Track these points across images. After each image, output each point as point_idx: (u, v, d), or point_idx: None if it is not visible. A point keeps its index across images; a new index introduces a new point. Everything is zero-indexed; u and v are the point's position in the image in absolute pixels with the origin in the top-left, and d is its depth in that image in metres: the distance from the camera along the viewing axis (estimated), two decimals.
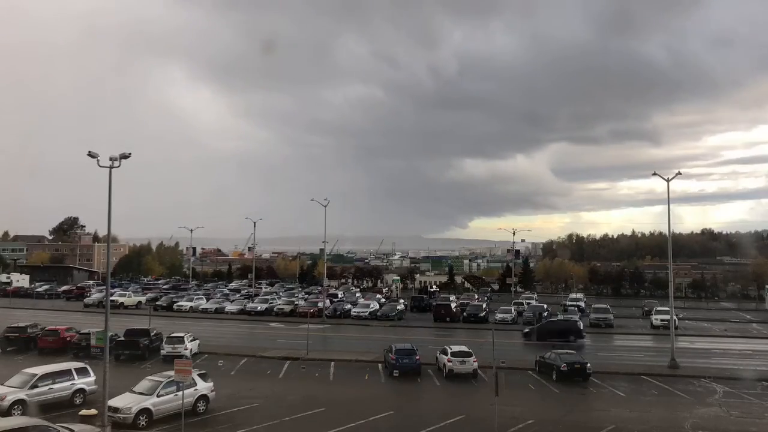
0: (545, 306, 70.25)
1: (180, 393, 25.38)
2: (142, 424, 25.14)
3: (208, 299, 75.03)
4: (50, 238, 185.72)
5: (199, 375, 28.39)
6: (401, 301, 76.70)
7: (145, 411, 25.41)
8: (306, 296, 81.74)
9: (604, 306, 67.54)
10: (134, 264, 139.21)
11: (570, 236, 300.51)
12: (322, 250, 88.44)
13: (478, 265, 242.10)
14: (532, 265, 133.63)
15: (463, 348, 38.03)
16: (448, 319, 63.75)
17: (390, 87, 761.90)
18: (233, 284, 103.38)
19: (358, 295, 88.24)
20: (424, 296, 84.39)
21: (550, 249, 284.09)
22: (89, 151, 25.09)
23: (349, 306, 70.79)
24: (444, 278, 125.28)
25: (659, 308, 64.16)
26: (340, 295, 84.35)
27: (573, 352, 38.64)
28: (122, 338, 41.83)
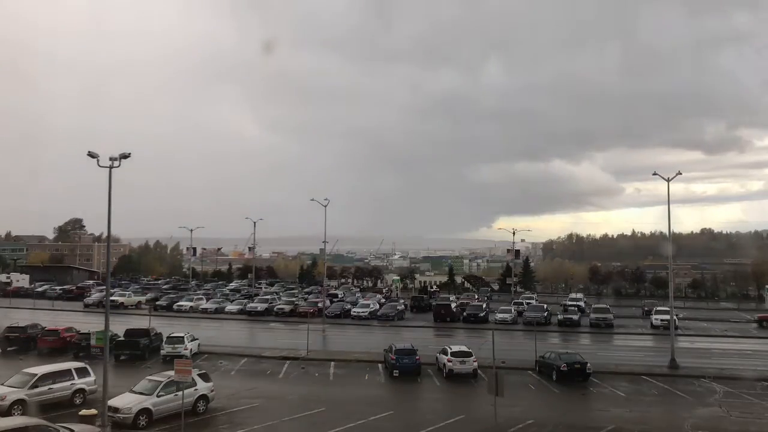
0: (545, 306, 70.31)
1: (180, 393, 25.40)
2: (142, 424, 25.13)
3: (208, 299, 74.97)
4: (52, 237, 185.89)
5: (199, 375, 28.39)
6: (401, 301, 76.70)
7: (145, 411, 25.41)
8: (306, 296, 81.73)
9: (604, 306, 67.52)
10: (134, 264, 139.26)
11: (570, 236, 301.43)
12: (322, 250, 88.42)
13: (478, 265, 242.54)
14: (532, 265, 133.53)
15: (463, 348, 38.04)
16: (448, 319, 63.72)
17: (430, 107, 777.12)
18: (233, 284, 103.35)
19: (358, 295, 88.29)
20: (424, 296, 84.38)
21: (550, 249, 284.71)
22: (89, 151, 25.11)
23: (349, 306, 70.80)
24: (444, 278, 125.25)
25: (659, 308, 64.14)
26: (340, 295, 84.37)
27: (573, 352, 38.62)
28: (122, 338, 41.83)
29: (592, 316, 62.62)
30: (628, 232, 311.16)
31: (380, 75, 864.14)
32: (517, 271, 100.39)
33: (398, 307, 68.84)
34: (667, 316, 52.68)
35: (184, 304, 70.86)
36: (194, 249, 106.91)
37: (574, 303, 71.86)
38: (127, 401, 25.67)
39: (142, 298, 75.99)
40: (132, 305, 72.56)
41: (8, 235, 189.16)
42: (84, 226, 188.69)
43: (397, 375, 36.14)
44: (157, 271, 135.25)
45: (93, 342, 39.25)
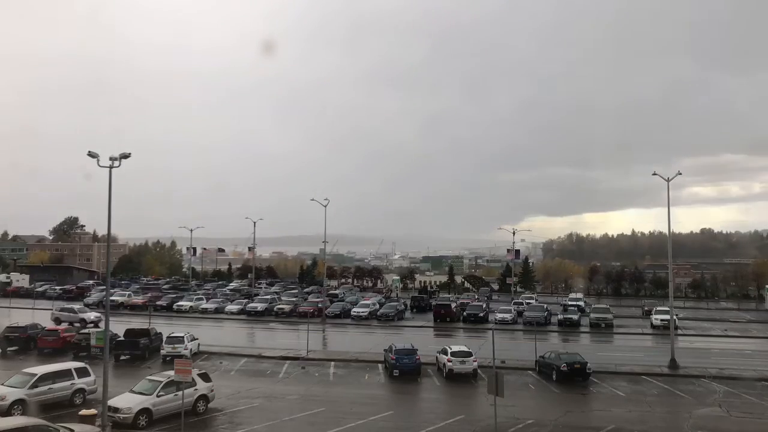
0: (545, 305, 70.32)
1: (180, 393, 25.40)
2: (142, 424, 25.13)
3: (208, 299, 74.93)
4: (50, 238, 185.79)
5: (199, 375, 28.39)
6: (401, 301, 76.73)
7: (145, 411, 25.40)
8: (306, 296, 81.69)
9: (603, 306, 67.54)
10: (134, 264, 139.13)
11: (570, 236, 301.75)
12: (322, 250, 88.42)
13: (478, 265, 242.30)
14: (532, 264, 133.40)
15: (463, 348, 38.04)
16: (448, 319, 63.73)
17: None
18: (233, 284, 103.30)
19: (359, 294, 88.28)
20: (424, 296, 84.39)
21: (550, 249, 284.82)
22: (89, 151, 25.05)
23: (349, 306, 70.81)
24: (444, 278, 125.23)
25: (659, 308, 64.13)
26: (340, 295, 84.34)
27: (573, 352, 38.61)
28: (122, 338, 41.83)
29: (592, 316, 62.59)
30: (628, 232, 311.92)
31: (425, 102, 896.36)
32: (517, 271, 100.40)
33: (398, 307, 68.85)
34: (667, 316, 52.69)
35: (184, 304, 70.84)
36: (194, 249, 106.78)
37: (574, 303, 71.87)
38: (127, 401, 25.66)
39: (140, 299, 75.86)
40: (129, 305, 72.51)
41: (5, 235, 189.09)
42: (83, 226, 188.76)
43: (397, 375, 36.14)
44: (156, 271, 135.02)
45: (93, 342, 39.27)
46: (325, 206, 65.95)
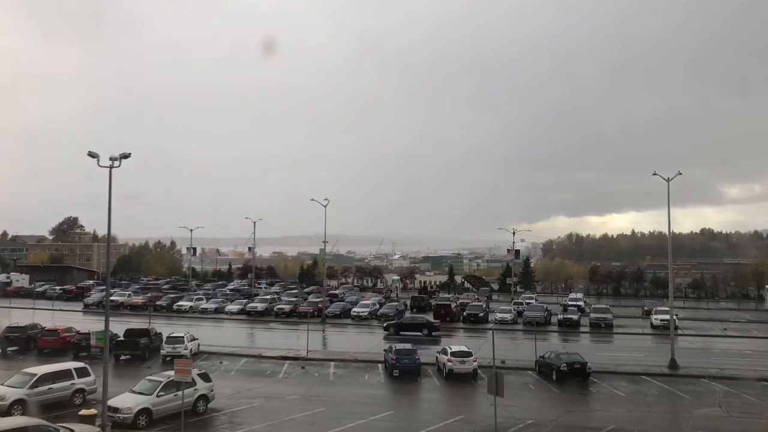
0: (545, 306, 70.33)
1: (180, 393, 25.40)
2: (142, 424, 25.13)
3: (208, 299, 74.92)
4: (50, 238, 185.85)
5: (199, 375, 28.39)
6: (401, 300, 76.76)
7: (145, 411, 25.40)
8: (306, 296, 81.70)
9: (603, 306, 67.58)
10: (134, 264, 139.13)
11: (570, 236, 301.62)
12: (322, 250, 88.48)
13: (478, 264, 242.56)
14: (532, 264, 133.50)
15: (463, 348, 38.04)
16: (448, 318, 63.65)
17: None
18: (233, 284, 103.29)
19: (360, 294, 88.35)
20: (424, 296, 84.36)
21: (550, 249, 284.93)
22: (89, 151, 25.05)
23: (350, 306, 70.84)
24: (444, 278, 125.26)
25: (659, 308, 64.16)
26: (340, 295, 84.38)
27: (573, 352, 38.61)
28: (122, 338, 41.83)
29: (592, 316, 62.62)
30: (628, 232, 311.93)
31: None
32: (517, 271, 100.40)
33: (398, 307, 68.84)
34: (667, 316, 52.68)
35: (184, 304, 70.83)
36: (194, 249, 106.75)
37: (574, 303, 71.89)
38: (127, 401, 25.66)
39: (140, 299, 75.84)
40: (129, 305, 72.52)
41: (4, 234, 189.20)
42: (82, 226, 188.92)
43: (397, 375, 36.14)
44: (156, 271, 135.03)
45: (93, 342, 39.19)
46: (325, 206, 65.94)
